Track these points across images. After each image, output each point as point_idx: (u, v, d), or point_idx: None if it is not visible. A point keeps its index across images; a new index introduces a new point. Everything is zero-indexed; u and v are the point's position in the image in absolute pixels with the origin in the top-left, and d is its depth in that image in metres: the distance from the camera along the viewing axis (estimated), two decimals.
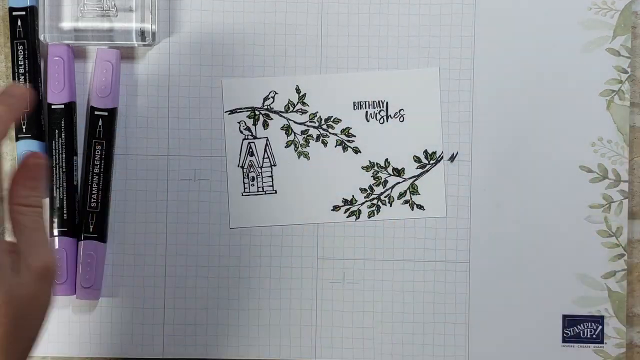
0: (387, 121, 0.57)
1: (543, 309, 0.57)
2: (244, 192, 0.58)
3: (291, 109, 0.58)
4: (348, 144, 0.58)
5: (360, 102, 0.57)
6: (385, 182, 0.58)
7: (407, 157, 0.58)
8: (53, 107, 0.56)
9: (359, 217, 0.58)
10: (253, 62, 0.58)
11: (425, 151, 0.58)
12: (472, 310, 0.58)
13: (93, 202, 0.56)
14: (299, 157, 0.58)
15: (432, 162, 0.58)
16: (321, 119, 0.58)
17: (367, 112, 0.58)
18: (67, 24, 0.57)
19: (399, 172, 0.58)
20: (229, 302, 0.58)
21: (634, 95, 0.58)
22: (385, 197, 0.58)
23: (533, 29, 0.58)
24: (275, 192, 0.58)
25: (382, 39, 0.58)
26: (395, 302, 0.58)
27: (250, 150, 0.57)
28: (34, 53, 0.56)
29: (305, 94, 0.57)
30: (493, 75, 0.58)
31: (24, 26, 0.56)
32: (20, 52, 0.56)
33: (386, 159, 0.58)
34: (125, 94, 0.58)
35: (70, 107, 0.56)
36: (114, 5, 0.57)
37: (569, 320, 0.57)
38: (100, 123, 0.56)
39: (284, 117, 0.58)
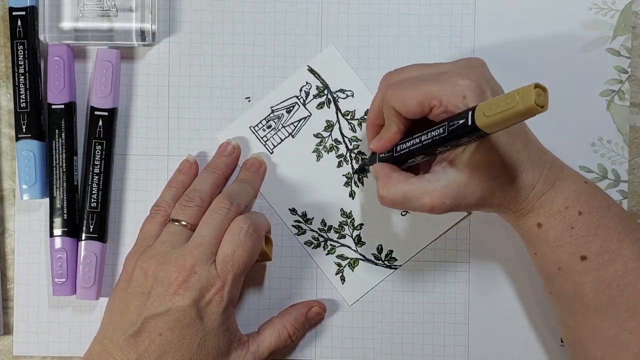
0: None
1: (543, 308, 0.58)
2: (253, 126, 0.58)
3: (350, 117, 0.58)
4: (360, 176, 0.58)
5: None
6: None
7: None
8: (53, 107, 0.56)
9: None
10: (253, 62, 0.58)
11: None
12: (472, 310, 0.58)
13: (93, 202, 0.56)
14: (312, 151, 0.58)
15: None
16: (357, 147, 0.58)
17: None
18: (67, 24, 0.57)
19: None
20: None
21: (634, 95, 0.58)
22: None
23: (533, 29, 0.58)
24: (272, 153, 0.58)
25: (382, 38, 0.58)
26: (395, 302, 0.58)
27: (290, 108, 0.57)
28: (34, 53, 0.56)
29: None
30: (493, 75, 0.58)
31: (24, 26, 0.56)
32: (20, 52, 0.56)
33: None
34: (125, 94, 0.58)
35: (70, 107, 0.56)
36: (114, 5, 0.57)
37: None
38: (100, 123, 0.56)
39: (340, 115, 0.58)
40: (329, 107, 0.58)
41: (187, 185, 0.55)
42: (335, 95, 0.58)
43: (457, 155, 0.47)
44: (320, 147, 0.58)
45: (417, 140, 0.48)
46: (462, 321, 0.58)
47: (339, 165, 0.58)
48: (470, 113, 0.43)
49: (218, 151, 0.57)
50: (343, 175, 0.58)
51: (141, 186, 0.58)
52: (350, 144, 0.58)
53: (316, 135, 0.58)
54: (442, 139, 0.45)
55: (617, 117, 0.58)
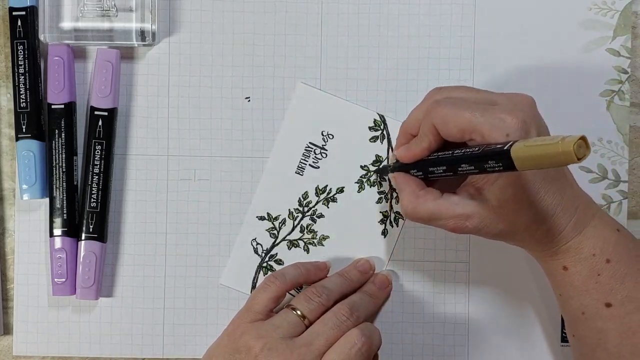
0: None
1: (542, 309, 0.58)
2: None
3: None
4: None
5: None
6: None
7: None
8: (53, 107, 0.56)
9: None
10: (253, 62, 0.58)
11: None
12: (472, 311, 0.58)
13: (93, 202, 0.56)
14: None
15: None
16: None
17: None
18: (67, 24, 0.57)
19: None
20: (229, 302, 0.58)
21: (634, 96, 0.58)
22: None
23: (533, 29, 0.58)
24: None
25: (382, 39, 0.58)
26: (395, 302, 0.58)
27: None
28: (34, 53, 0.56)
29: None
30: (493, 75, 0.58)
31: (24, 26, 0.56)
32: (20, 52, 0.56)
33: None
34: (125, 94, 0.58)
35: (70, 107, 0.56)
36: (114, 5, 0.57)
37: None
38: (100, 123, 0.56)
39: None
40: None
41: (311, 279, 0.55)
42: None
43: (486, 184, 0.47)
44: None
45: (449, 152, 0.47)
46: (462, 321, 0.58)
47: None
48: (511, 142, 0.42)
49: (356, 264, 0.57)
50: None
51: (141, 186, 0.58)
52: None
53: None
54: (473, 156, 0.45)
55: (617, 117, 0.58)
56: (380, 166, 0.57)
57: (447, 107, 0.47)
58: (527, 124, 0.45)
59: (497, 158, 0.42)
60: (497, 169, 0.43)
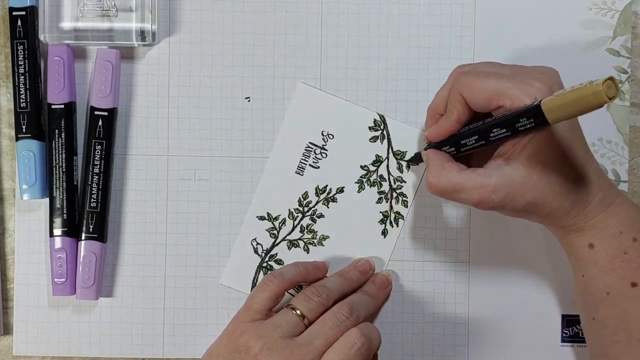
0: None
1: (543, 309, 0.58)
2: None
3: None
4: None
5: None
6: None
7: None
8: (53, 107, 0.56)
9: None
10: (253, 62, 0.58)
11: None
12: (472, 311, 0.58)
13: (93, 202, 0.56)
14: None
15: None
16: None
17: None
18: (67, 24, 0.57)
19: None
20: (229, 302, 0.58)
21: (634, 96, 0.58)
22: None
23: (533, 29, 0.58)
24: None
25: (382, 39, 0.58)
26: (395, 302, 0.58)
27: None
28: (34, 53, 0.56)
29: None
30: None
31: (24, 26, 0.56)
32: (20, 52, 0.56)
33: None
34: (125, 94, 0.58)
35: (70, 107, 0.56)
36: (114, 5, 0.57)
37: (568, 320, 0.57)
38: (100, 123, 0.56)
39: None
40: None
41: (310, 278, 0.55)
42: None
43: (514, 153, 0.46)
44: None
45: (480, 123, 0.47)
46: (462, 321, 0.58)
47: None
48: (540, 99, 0.43)
49: (356, 264, 0.57)
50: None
51: (141, 186, 0.58)
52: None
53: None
54: (504, 118, 0.45)
55: (617, 117, 0.58)
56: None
57: (474, 75, 0.47)
58: (553, 90, 0.45)
59: (528, 114, 0.43)
60: (529, 126, 0.44)
